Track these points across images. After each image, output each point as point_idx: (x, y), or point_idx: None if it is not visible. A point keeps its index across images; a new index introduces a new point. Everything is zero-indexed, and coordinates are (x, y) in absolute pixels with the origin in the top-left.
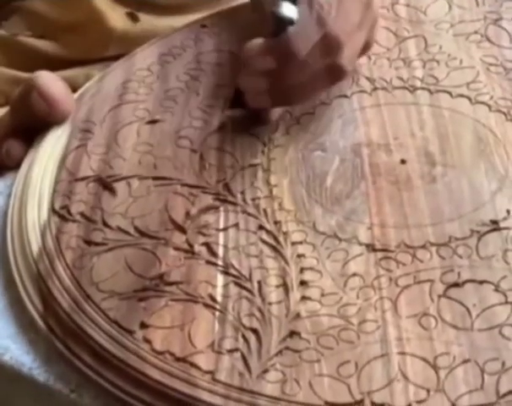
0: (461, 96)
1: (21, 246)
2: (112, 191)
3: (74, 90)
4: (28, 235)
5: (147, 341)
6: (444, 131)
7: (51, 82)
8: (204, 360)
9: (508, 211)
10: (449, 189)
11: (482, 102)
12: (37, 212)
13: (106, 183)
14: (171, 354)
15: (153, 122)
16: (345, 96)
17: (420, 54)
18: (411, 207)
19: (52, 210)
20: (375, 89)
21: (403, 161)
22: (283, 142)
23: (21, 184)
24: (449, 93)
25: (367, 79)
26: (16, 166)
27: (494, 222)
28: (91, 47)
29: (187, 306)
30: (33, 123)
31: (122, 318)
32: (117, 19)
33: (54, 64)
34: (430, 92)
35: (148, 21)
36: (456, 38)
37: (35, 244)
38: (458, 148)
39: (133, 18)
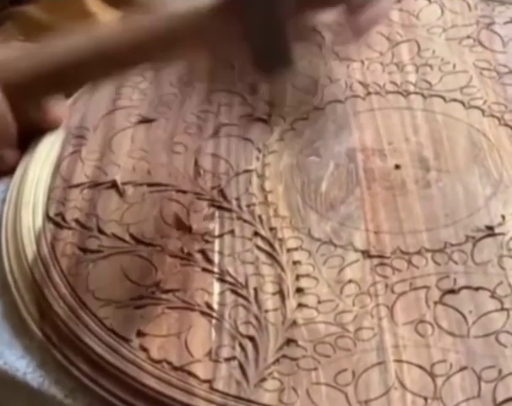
0: (455, 100)
1: (16, 253)
2: (122, 195)
3: (67, 95)
4: (23, 242)
5: (144, 349)
6: (438, 136)
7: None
8: (201, 369)
9: (503, 217)
10: (444, 194)
11: (476, 107)
12: (32, 219)
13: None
14: (169, 363)
15: (148, 121)
16: (339, 101)
17: (413, 59)
18: (406, 213)
19: (47, 217)
20: (369, 94)
21: (397, 167)
22: (277, 148)
23: (15, 191)
24: (443, 98)
25: (361, 83)
26: (10, 172)
27: (489, 228)
28: None
29: (183, 314)
30: (26, 129)
31: (118, 326)
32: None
33: None
34: (423, 97)
35: None
36: (449, 42)
37: (30, 251)
38: (452, 153)
39: None
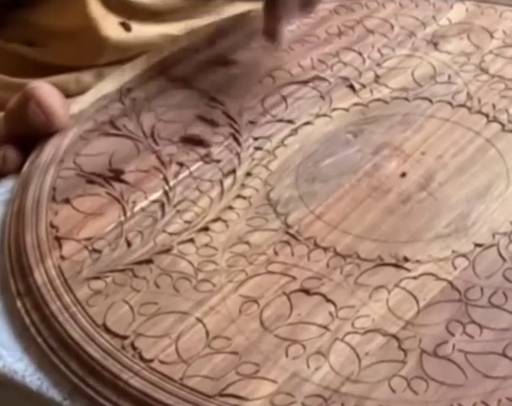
0: None
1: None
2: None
3: (65, 95)
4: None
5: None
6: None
7: (49, 94)
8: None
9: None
10: (419, 213)
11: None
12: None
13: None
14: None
15: None
16: (407, 100)
17: None
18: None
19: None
20: (459, 106)
21: (403, 175)
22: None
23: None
24: None
25: (468, 95)
26: (12, 172)
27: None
28: (83, 55)
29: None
30: (29, 132)
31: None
32: (110, 28)
33: (44, 71)
34: (503, 129)
35: (140, 30)
36: None
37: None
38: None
39: (126, 27)
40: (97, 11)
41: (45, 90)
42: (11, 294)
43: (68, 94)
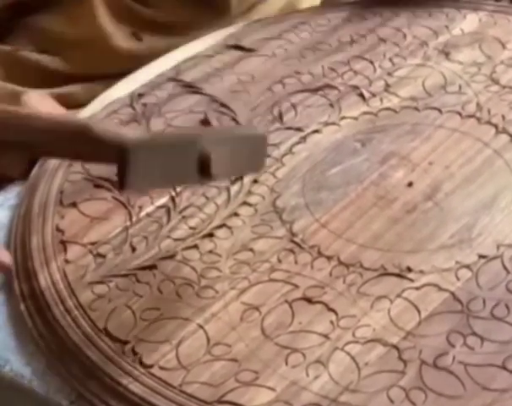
0: None
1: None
2: None
3: (76, 106)
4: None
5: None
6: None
7: (40, 102)
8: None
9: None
10: (422, 224)
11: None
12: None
13: None
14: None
15: None
16: (416, 109)
17: None
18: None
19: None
20: (468, 116)
21: (410, 184)
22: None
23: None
24: None
25: (478, 105)
26: (18, 178)
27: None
28: (94, 64)
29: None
30: None
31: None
32: (121, 38)
33: (55, 79)
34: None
35: (151, 41)
36: None
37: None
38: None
39: (137, 38)
40: (108, 21)
41: (35, 99)
42: (16, 300)
43: (79, 104)
